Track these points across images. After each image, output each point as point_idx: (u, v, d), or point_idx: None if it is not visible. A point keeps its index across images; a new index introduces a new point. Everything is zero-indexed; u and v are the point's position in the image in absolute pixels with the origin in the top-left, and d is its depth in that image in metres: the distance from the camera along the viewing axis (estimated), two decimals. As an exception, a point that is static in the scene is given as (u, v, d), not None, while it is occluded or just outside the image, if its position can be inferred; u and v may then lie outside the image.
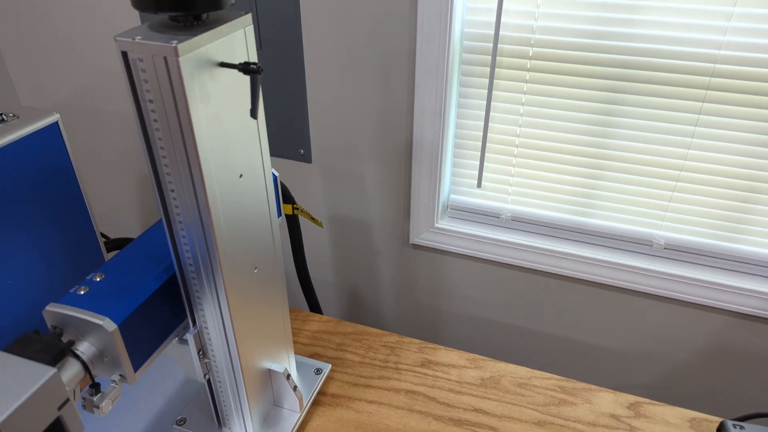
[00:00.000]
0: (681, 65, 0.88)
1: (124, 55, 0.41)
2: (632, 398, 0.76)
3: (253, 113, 0.43)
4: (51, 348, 0.45)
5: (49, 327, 0.50)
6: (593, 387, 0.79)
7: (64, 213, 0.75)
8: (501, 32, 0.95)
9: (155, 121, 0.43)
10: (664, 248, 1.04)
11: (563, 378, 0.80)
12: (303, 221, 1.27)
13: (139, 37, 0.40)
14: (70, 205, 0.76)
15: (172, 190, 0.47)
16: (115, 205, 1.48)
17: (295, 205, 0.91)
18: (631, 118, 0.95)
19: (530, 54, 0.95)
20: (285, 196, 0.90)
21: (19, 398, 0.39)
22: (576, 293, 1.15)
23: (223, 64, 0.44)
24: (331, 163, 1.18)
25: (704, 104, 0.90)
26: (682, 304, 1.07)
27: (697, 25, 0.85)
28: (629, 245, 1.07)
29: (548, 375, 0.80)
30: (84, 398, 0.50)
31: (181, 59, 0.39)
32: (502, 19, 0.94)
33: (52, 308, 0.48)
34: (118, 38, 0.40)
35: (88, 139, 1.39)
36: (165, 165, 0.46)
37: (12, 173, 0.67)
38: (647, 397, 0.77)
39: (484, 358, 0.83)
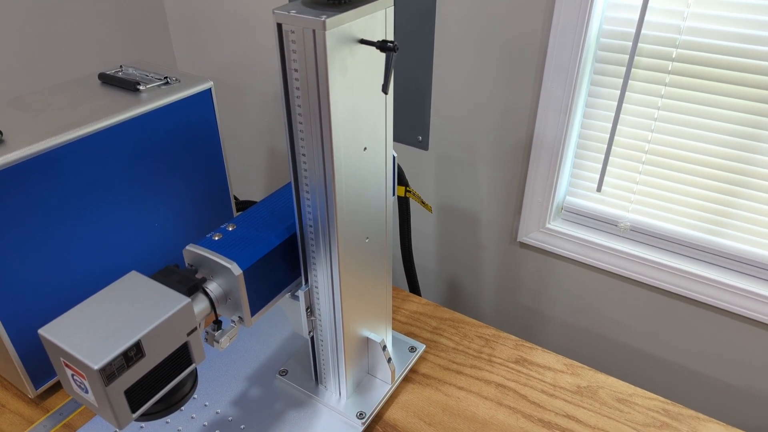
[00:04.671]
0: None
1: (279, 26, 0.45)
2: (746, 436, 0.70)
3: (385, 89, 0.46)
4: (187, 281, 0.51)
5: (186, 264, 0.56)
6: (702, 416, 0.73)
7: (206, 171, 0.84)
8: (643, 31, 0.90)
9: (297, 89, 0.47)
10: (808, 282, 0.93)
11: (668, 401, 0.75)
12: (413, 206, 1.29)
13: (293, 11, 0.44)
14: (212, 165, 0.84)
15: (304, 155, 0.51)
16: (246, 171, 1.62)
17: (408, 188, 0.94)
18: (786, 134, 0.86)
19: (673, 56, 0.89)
20: (399, 177, 0.93)
21: (159, 318, 0.45)
22: (697, 318, 1.06)
23: (362, 41, 0.47)
24: (447, 152, 1.19)
25: None
26: (822, 348, 0.95)
27: None
28: (767, 274, 0.97)
29: (651, 395, 0.76)
30: (207, 332, 0.56)
31: (327, 33, 0.43)
32: (646, 17, 0.89)
33: (191, 248, 0.55)
34: (275, 11, 0.45)
35: (231, 109, 1.52)
36: (300, 131, 0.50)
37: (169, 129, 0.76)
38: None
39: (583, 366, 0.80)
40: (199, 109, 0.79)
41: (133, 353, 0.44)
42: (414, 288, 1.10)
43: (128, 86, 0.75)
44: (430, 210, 1.00)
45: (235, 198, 1.15)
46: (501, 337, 0.85)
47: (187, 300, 0.47)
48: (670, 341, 1.12)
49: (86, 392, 0.45)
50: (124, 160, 0.71)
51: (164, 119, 0.75)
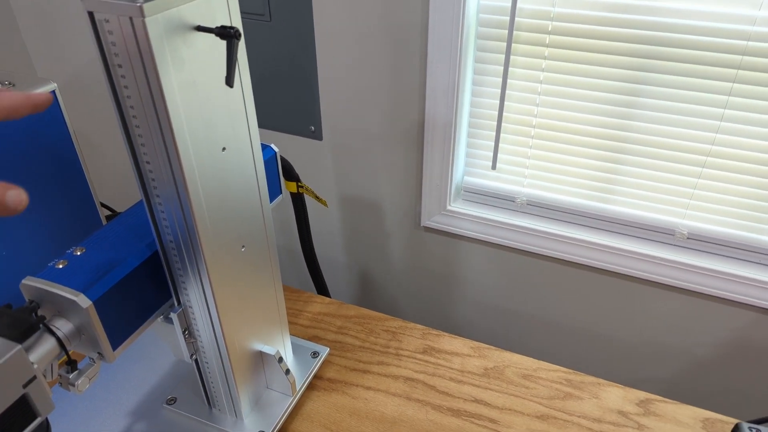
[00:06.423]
0: (710, 42, 0.81)
1: (91, 15, 0.38)
2: (643, 395, 0.72)
3: (229, 81, 0.40)
4: (20, 323, 0.43)
5: (27, 301, 0.48)
6: (602, 381, 0.75)
7: (61, 183, 0.74)
8: (519, 5, 0.90)
9: (126, 87, 0.41)
10: (688, 238, 0.99)
11: (571, 371, 0.76)
12: (312, 201, 1.24)
13: (105, -4, 0.37)
14: (67, 176, 0.74)
15: (148, 162, 0.45)
16: (130, 176, 1.49)
17: (299, 183, 0.89)
18: (656, 99, 0.89)
19: (549, 29, 0.90)
20: (289, 173, 0.88)
21: (-23, 375, 0.37)
22: (592, 282, 1.10)
23: (199, 28, 0.41)
24: (342, 141, 1.15)
25: (734, 85, 0.83)
26: (703, 297, 1.02)
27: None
28: (650, 234, 1.02)
29: (555, 367, 0.77)
30: (60, 375, 0.49)
31: (147, 20, 0.37)
32: (521, -9, 0.89)
33: (29, 282, 0.47)
34: (84, -3, 0.38)
35: (105, 109, 1.38)
36: (139, 135, 0.43)
37: (5, 141, 0.65)
38: (660, 394, 0.73)
39: (489, 347, 0.80)
40: (42, 116, 0.69)
41: (-55, 423, 0.36)
42: (320, 287, 1.06)
43: (-53, 96, 0.64)
44: (325, 204, 0.95)
45: (112, 211, 1.04)
46: (408, 328, 0.83)
47: (16, 347, 0.40)
48: (570, 308, 1.16)
49: None
50: (-51, 183, 0.61)
51: (-3, 131, 0.64)
